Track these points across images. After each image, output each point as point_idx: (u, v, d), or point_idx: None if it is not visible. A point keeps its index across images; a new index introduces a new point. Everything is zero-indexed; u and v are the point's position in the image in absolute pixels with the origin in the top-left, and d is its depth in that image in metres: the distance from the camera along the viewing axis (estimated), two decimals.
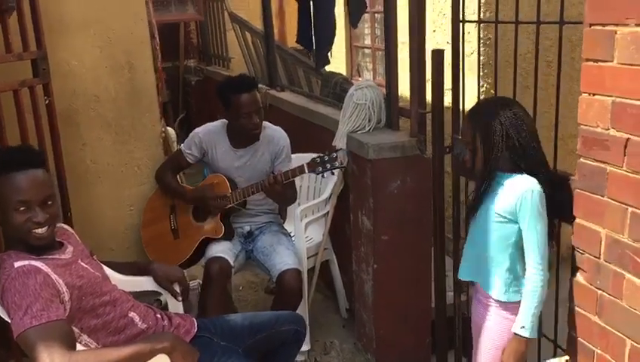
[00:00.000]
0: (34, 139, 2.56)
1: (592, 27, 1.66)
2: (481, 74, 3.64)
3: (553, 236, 2.00)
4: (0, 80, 2.46)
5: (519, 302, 1.94)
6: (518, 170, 1.90)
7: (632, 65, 1.55)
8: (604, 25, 1.62)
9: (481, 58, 3.80)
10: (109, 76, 2.98)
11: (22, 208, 1.74)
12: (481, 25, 2.85)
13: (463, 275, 2.13)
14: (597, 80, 1.67)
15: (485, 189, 1.93)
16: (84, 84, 2.93)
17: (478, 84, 2.83)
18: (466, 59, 2.54)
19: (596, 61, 1.66)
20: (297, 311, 2.67)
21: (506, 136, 1.87)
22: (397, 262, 2.79)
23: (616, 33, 1.58)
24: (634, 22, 1.52)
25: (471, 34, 3.52)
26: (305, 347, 3.03)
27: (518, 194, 1.86)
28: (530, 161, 1.90)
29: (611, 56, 1.61)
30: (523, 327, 1.89)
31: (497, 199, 1.92)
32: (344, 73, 6.44)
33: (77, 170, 2.92)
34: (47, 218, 1.77)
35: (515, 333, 1.92)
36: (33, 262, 1.70)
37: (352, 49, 6.61)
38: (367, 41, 6.39)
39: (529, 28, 2.42)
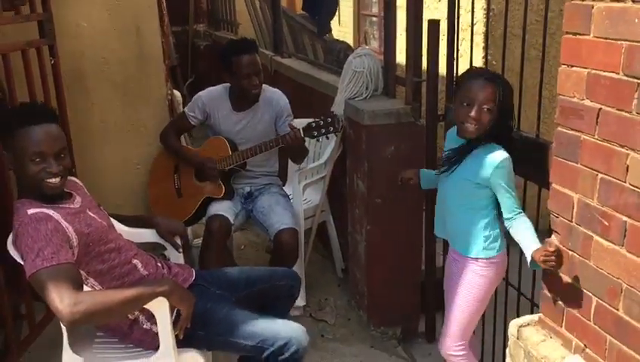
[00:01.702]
0: (41, 98, 2.68)
1: (573, 1, 1.74)
2: (483, 45, 3.71)
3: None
4: (9, 41, 2.57)
5: (490, 258, 2.10)
6: (493, 139, 2.03)
7: (606, 38, 1.64)
8: None
9: (485, 29, 3.86)
10: (117, 39, 3.08)
11: (37, 159, 1.86)
12: None
13: (438, 232, 2.31)
14: (575, 52, 1.76)
15: (465, 154, 2.05)
16: (92, 46, 3.04)
17: (486, 54, 2.90)
18: (470, 29, 2.61)
19: (575, 34, 1.75)
20: (294, 269, 2.81)
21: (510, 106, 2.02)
22: (389, 224, 2.91)
23: (592, 7, 1.66)
24: None
25: (476, 4, 3.57)
26: (301, 302, 3.19)
27: (495, 164, 2.00)
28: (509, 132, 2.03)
29: (588, 29, 1.69)
30: (532, 249, 1.95)
31: (474, 168, 2.04)
32: (351, 41, 6.50)
33: (86, 128, 3.05)
34: (60, 169, 1.91)
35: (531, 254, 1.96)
36: (45, 210, 1.83)
37: (359, 17, 6.64)
38: (375, 9, 6.42)
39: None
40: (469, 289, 2.15)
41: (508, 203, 2.03)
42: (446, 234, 2.26)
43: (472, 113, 2.00)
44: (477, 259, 2.13)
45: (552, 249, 1.87)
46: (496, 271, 2.16)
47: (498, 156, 2.00)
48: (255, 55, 2.99)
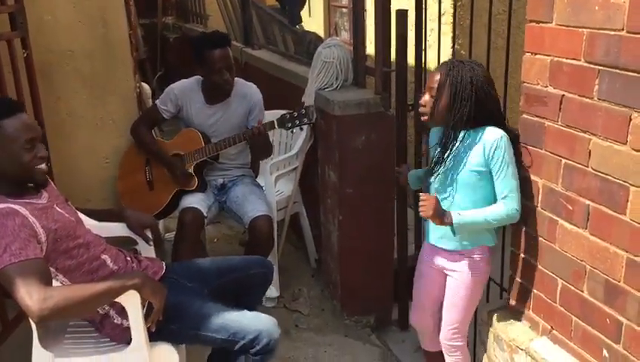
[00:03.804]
0: (12, 92, 2.63)
1: None
2: (452, 35, 3.74)
3: None
4: None
5: (480, 246, 2.09)
6: (481, 125, 1.98)
7: (567, 26, 1.68)
8: None
9: (453, 19, 3.90)
10: (83, 31, 3.03)
11: (29, 146, 1.86)
12: None
13: (431, 238, 2.21)
14: (538, 40, 1.79)
15: (451, 145, 2.01)
16: (57, 38, 2.98)
17: (453, 44, 2.93)
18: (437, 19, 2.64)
19: (538, 22, 1.78)
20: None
21: (476, 92, 1.94)
22: (361, 214, 2.93)
23: None
24: None
25: None
26: (275, 293, 3.20)
27: (489, 144, 1.93)
28: (492, 117, 2.00)
29: (551, 17, 1.73)
30: (458, 214, 1.95)
31: (469, 155, 1.98)
32: (322, 32, 6.49)
33: (53, 122, 2.99)
34: (47, 153, 1.93)
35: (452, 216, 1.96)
36: (12, 205, 1.80)
37: (330, 8, 6.64)
38: (345, 1, 6.42)
39: None
40: (466, 283, 2.13)
41: (500, 185, 1.96)
42: (440, 236, 2.15)
43: (420, 99, 2.08)
44: (479, 247, 2.10)
45: (424, 197, 1.96)
46: (487, 262, 2.14)
47: (491, 134, 1.94)
48: (228, 49, 2.97)
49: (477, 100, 1.95)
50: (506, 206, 1.95)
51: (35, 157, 1.88)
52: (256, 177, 3.38)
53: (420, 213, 1.98)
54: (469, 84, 1.94)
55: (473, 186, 2.01)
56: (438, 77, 1.99)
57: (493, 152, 1.93)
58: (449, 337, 2.23)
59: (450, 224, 1.95)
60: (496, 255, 2.21)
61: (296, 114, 2.89)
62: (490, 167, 1.96)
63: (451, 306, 2.20)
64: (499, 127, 1.97)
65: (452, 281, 2.18)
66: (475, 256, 2.11)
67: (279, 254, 3.30)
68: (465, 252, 2.11)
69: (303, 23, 4.77)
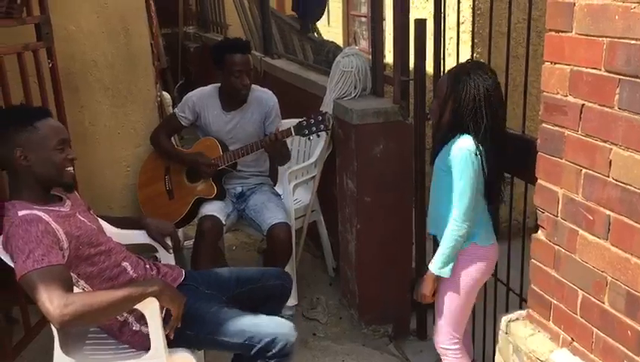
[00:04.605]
0: (38, 101, 2.69)
1: None
2: (471, 43, 3.73)
3: (493, 193, 2.16)
4: (4, 43, 2.57)
5: (463, 249, 2.13)
6: (467, 130, 2.05)
7: (587, 35, 1.66)
8: None
9: (474, 27, 3.88)
10: (106, 41, 3.08)
11: (61, 146, 1.94)
12: None
13: (430, 229, 2.32)
14: (558, 49, 1.78)
15: (440, 146, 2.09)
16: (81, 48, 3.04)
17: (472, 52, 2.93)
18: (459, 28, 2.63)
19: (557, 31, 1.77)
20: (286, 269, 2.83)
21: (478, 109, 2.00)
22: (379, 222, 2.93)
23: (574, 5, 1.69)
24: None
25: (463, 3, 3.60)
26: (293, 302, 3.20)
27: (453, 151, 2.04)
28: (478, 123, 2.04)
29: (570, 26, 1.72)
30: (431, 263, 2.13)
31: (444, 155, 2.10)
32: (341, 41, 6.53)
33: (76, 131, 3.04)
34: (75, 156, 2.00)
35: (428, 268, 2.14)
36: (36, 212, 1.84)
37: (348, 17, 6.67)
38: (364, 10, 6.45)
39: None
40: (451, 280, 2.18)
41: (454, 199, 2.05)
42: (434, 229, 2.28)
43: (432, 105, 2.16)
44: (467, 247, 2.15)
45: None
46: (475, 262, 2.17)
47: (459, 143, 2.04)
48: (248, 56, 3.02)
49: (478, 115, 2.01)
50: (450, 226, 2.06)
51: (65, 159, 1.94)
52: (274, 185, 3.40)
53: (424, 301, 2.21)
54: (472, 101, 2.00)
55: (444, 185, 2.09)
56: (444, 88, 2.04)
57: (452, 162, 2.03)
58: (436, 339, 2.26)
59: (434, 277, 2.12)
60: (515, 265, 2.20)
61: (312, 121, 2.91)
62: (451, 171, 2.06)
63: (436, 307, 2.25)
64: (497, 136, 2.04)
65: (440, 281, 2.21)
66: (462, 256, 2.15)
67: (297, 262, 3.31)
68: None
69: (322, 33, 4.80)
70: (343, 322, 3.17)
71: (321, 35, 4.76)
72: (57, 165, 1.92)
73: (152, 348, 1.95)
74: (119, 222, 2.36)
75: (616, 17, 1.55)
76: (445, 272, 2.11)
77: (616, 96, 1.59)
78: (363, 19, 6.41)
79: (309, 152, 3.45)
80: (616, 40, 1.57)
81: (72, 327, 1.85)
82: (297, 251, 3.34)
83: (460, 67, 2.10)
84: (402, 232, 2.97)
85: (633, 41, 1.51)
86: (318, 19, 4.32)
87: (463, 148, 2.02)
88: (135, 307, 1.85)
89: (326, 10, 4.49)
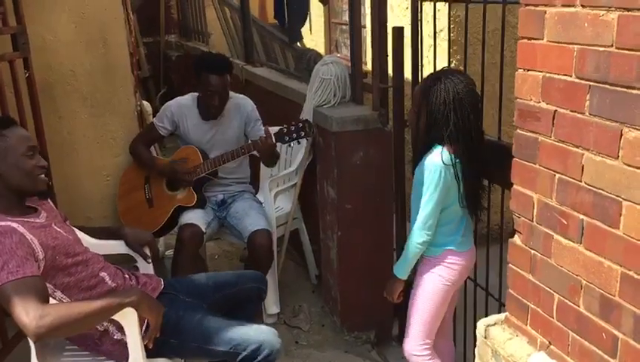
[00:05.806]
0: (14, 112, 2.66)
1: (527, 7, 1.79)
2: (450, 51, 3.77)
3: (468, 199, 2.20)
4: None
5: (432, 257, 2.21)
6: (443, 139, 2.08)
7: (558, 42, 1.69)
8: (535, 5, 1.75)
9: (451, 35, 3.92)
10: (84, 51, 3.07)
11: (31, 153, 1.92)
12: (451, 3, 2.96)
13: None
14: (530, 56, 1.81)
15: (420, 156, 2.13)
16: (59, 58, 3.02)
17: (449, 60, 2.96)
18: (436, 37, 2.66)
19: (529, 39, 1.80)
20: (267, 277, 2.82)
21: (450, 114, 2.04)
22: (360, 229, 2.94)
23: (545, 13, 1.72)
24: (560, 2, 1.66)
25: (441, 11, 3.63)
26: (275, 310, 3.20)
27: (426, 163, 2.09)
28: (453, 130, 2.07)
29: (542, 34, 1.74)
30: (396, 268, 2.22)
31: (420, 166, 2.14)
32: (322, 49, 6.54)
33: (54, 141, 3.02)
34: (46, 163, 1.98)
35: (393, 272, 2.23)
36: (10, 223, 1.82)
37: (330, 25, 6.69)
38: (346, 17, 6.48)
39: (497, 6, 2.50)
40: (421, 286, 2.22)
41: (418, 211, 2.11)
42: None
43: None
44: (423, 257, 2.23)
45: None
46: (449, 268, 2.20)
47: (432, 156, 2.09)
48: (226, 76, 3.02)
49: (451, 119, 2.04)
50: (409, 237, 2.16)
51: (35, 166, 1.94)
52: (255, 193, 3.40)
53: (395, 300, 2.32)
54: (442, 104, 2.03)
55: (417, 195, 2.14)
56: (418, 96, 2.09)
57: (424, 174, 2.08)
58: (405, 348, 2.31)
59: (397, 279, 2.24)
60: (495, 268, 2.22)
61: (293, 128, 2.92)
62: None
63: (408, 313, 2.31)
64: (471, 142, 2.07)
65: (414, 287, 2.28)
66: (435, 262, 2.20)
67: (279, 270, 3.31)
68: (430, 257, 2.22)
69: (304, 40, 4.81)
70: (325, 329, 3.17)
71: (303, 42, 4.78)
72: (28, 172, 1.92)
73: (131, 358, 1.93)
74: (97, 233, 2.35)
75: (586, 25, 1.58)
76: (402, 275, 2.23)
77: (587, 103, 1.62)
78: (345, 26, 6.43)
79: (290, 160, 3.46)
80: (585, 47, 1.60)
81: (48, 339, 1.84)
82: (279, 259, 3.34)
83: (432, 73, 2.13)
84: (383, 239, 2.97)
85: (602, 48, 1.54)
86: (303, 25, 4.35)
87: (436, 162, 2.07)
88: (113, 317, 1.84)
89: (308, 18, 4.51)
